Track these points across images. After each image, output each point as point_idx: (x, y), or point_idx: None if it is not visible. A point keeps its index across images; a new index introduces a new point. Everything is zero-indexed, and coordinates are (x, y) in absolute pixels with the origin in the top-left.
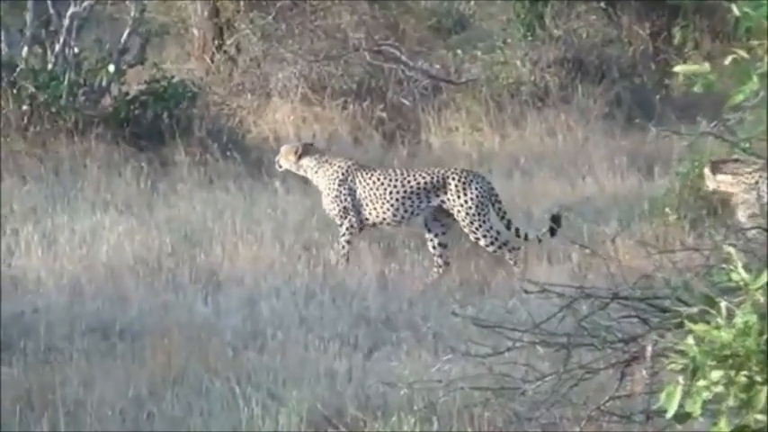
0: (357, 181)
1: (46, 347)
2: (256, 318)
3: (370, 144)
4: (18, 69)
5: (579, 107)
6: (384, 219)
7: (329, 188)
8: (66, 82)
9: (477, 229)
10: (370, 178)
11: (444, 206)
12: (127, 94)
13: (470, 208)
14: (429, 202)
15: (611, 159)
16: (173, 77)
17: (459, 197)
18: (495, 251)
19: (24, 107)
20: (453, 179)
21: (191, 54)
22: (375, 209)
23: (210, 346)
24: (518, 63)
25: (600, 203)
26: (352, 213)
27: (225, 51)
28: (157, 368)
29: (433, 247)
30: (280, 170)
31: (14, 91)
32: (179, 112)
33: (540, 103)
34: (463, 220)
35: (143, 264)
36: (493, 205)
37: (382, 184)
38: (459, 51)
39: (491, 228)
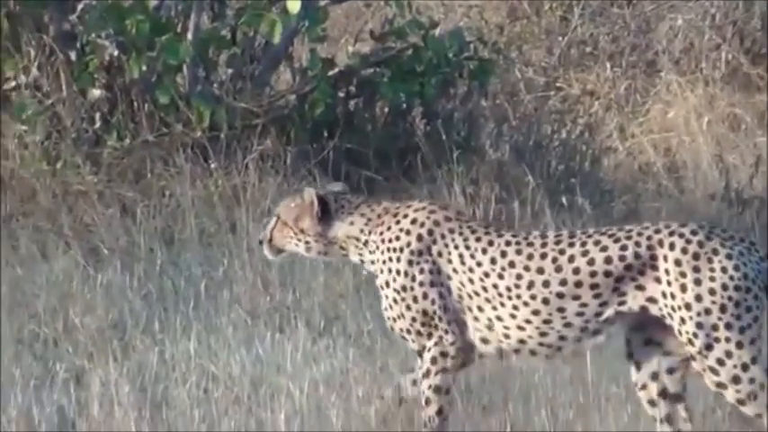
0: (448, 253)
1: None
2: None
3: None
4: None
5: None
6: (522, 342)
7: (389, 276)
8: (175, 32)
9: (723, 357)
10: (477, 249)
11: (654, 310)
12: (331, 63)
13: (709, 312)
14: (621, 303)
15: None
16: (436, 25)
17: (685, 288)
18: (751, 409)
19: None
20: (672, 249)
21: None
22: (495, 320)
23: None
24: None
25: None
26: (441, 324)
27: None
28: None
29: (666, 417)
30: (273, 259)
31: (49, 57)
32: (450, 106)
33: None
34: (692, 339)
35: None
36: None
37: (514, 263)
38: None
39: (757, 359)
